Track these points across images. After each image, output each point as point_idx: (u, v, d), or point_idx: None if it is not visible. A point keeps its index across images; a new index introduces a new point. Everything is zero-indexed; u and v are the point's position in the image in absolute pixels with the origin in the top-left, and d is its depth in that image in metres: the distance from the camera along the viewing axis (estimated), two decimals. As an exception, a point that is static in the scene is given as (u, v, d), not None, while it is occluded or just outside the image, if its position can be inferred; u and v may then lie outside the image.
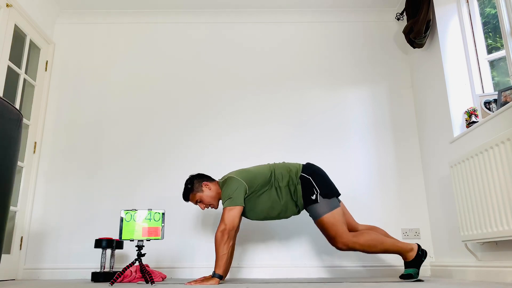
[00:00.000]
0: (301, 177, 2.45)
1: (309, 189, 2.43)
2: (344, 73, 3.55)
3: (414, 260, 2.38)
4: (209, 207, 2.48)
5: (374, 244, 2.38)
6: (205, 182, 2.50)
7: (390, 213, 3.21)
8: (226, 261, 2.26)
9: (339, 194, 2.50)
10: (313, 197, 2.41)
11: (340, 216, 2.42)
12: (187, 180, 2.52)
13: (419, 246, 2.41)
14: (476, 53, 2.81)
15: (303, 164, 2.54)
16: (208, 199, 2.48)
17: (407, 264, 2.40)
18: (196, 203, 2.50)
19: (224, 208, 2.33)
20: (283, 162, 2.60)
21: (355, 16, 3.69)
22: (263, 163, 3.29)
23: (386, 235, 2.58)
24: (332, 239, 2.41)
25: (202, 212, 3.19)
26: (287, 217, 2.54)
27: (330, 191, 2.44)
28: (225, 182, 2.44)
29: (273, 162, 2.65)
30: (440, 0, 2.99)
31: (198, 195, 2.48)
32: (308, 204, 2.43)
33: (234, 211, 2.32)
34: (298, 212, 2.53)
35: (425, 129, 3.24)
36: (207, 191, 2.48)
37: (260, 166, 2.55)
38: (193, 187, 2.49)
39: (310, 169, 2.50)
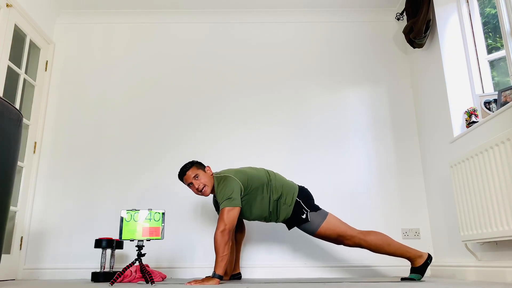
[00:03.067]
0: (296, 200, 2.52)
1: (299, 210, 2.49)
2: (344, 73, 3.55)
3: (421, 267, 2.38)
4: (200, 192, 2.47)
5: (380, 244, 2.41)
6: (208, 167, 2.58)
7: (390, 213, 3.21)
8: (227, 262, 2.26)
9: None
10: (304, 216, 2.47)
11: (335, 219, 2.49)
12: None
13: (429, 255, 2.41)
14: (476, 53, 2.81)
15: (298, 187, 2.58)
16: (204, 179, 2.48)
17: (413, 270, 2.40)
18: (192, 178, 2.48)
19: (222, 209, 2.33)
20: (280, 175, 2.65)
21: (355, 16, 3.69)
22: (262, 164, 3.29)
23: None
24: (338, 240, 2.47)
25: (202, 212, 3.19)
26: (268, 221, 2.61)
27: (317, 207, 2.53)
28: (221, 179, 2.45)
29: (272, 170, 2.67)
30: (440, 0, 2.99)
31: (199, 171, 2.51)
32: (299, 223, 2.50)
33: (234, 212, 2.33)
34: (272, 221, 2.60)
35: (425, 129, 3.24)
36: (208, 173, 2.54)
37: (256, 169, 2.58)
38: (197, 163, 2.56)
39: (302, 192, 2.56)
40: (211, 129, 3.39)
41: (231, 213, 2.32)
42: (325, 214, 2.49)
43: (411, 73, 3.52)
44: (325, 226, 2.45)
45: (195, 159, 3.22)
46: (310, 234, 2.51)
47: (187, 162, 2.67)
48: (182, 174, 2.52)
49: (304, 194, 2.55)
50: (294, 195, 2.52)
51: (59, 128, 3.38)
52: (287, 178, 3.25)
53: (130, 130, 3.39)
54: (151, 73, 3.54)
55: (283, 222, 2.59)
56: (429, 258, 2.40)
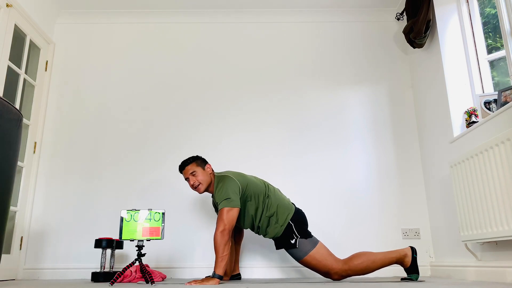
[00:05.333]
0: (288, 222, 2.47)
1: (289, 233, 2.45)
2: (344, 73, 3.55)
3: (412, 265, 2.37)
4: (195, 188, 2.51)
5: (366, 265, 2.38)
6: (208, 165, 2.59)
7: (390, 213, 3.21)
8: (227, 262, 2.26)
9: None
10: (292, 241, 2.43)
11: (324, 249, 2.44)
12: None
13: (412, 249, 2.40)
14: (476, 53, 2.81)
15: (295, 208, 2.52)
16: (201, 177, 2.51)
17: (408, 271, 2.39)
18: (190, 174, 2.51)
19: (221, 209, 2.32)
20: (280, 193, 2.59)
21: (355, 16, 3.69)
22: (262, 165, 3.27)
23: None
24: (325, 274, 2.44)
25: (202, 212, 3.19)
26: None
27: (308, 233, 2.47)
28: (220, 179, 2.45)
29: (273, 186, 2.63)
30: (440, 0, 2.99)
31: (198, 168, 2.53)
32: (287, 247, 2.46)
33: (233, 212, 2.33)
34: (261, 234, 2.58)
35: (425, 129, 3.24)
36: (207, 171, 2.55)
37: (258, 179, 2.57)
38: (199, 159, 2.57)
39: (297, 215, 2.49)
40: (211, 130, 3.39)
41: (230, 213, 2.32)
42: (315, 243, 2.44)
43: (411, 73, 3.52)
44: (312, 255, 2.40)
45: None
46: (295, 260, 2.48)
47: (190, 156, 2.67)
48: (181, 168, 2.56)
49: (298, 218, 2.49)
50: (288, 216, 2.47)
51: (59, 128, 3.38)
52: (288, 181, 3.25)
53: (130, 130, 3.39)
54: (151, 73, 3.53)
55: (272, 239, 2.56)
56: (413, 252, 2.38)
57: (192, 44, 3.61)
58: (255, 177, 2.59)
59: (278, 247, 2.54)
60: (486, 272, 2.35)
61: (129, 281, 2.52)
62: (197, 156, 2.60)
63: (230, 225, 2.29)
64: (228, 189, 2.36)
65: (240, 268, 3.05)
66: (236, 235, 2.79)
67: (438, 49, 2.95)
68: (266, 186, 2.56)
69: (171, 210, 3.19)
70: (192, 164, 2.54)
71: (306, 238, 2.43)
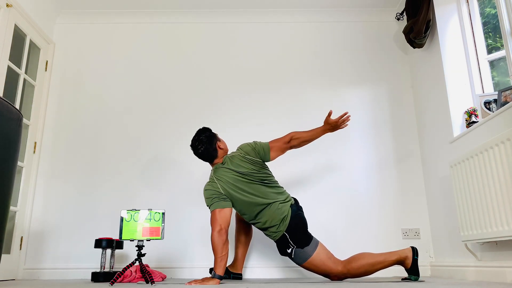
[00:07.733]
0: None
1: (285, 243, 2.39)
2: (344, 73, 3.55)
3: (412, 266, 2.36)
4: None
5: (365, 269, 2.37)
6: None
7: (390, 213, 3.21)
8: (226, 261, 2.26)
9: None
10: (289, 251, 2.40)
11: (323, 253, 2.39)
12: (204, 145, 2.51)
13: (413, 249, 2.38)
14: (476, 53, 2.81)
15: (291, 214, 2.39)
16: None
17: (409, 272, 2.38)
18: None
19: (214, 210, 2.31)
20: (282, 189, 2.48)
21: (355, 16, 3.69)
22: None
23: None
24: (325, 276, 2.44)
25: (203, 212, 3.19)
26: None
27: (307, 239, 2.39)
28: (212, 176, 2.45)
29: (277, 198, 2.44)
30: (440, 0, 2.99)
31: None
32: (285, 255, 2.44)
33: (226, 212, 2.32)
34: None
35: (425, 129, 3.24)
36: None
37: (254, 202, 2.40)
38: (202, 159, 2.54)
39: (293, 222, 2.38)
40: (211, 129, 3.39)
41: (223, 213, 2.31)
42: (314, 247, 2.38)
43: (411, 73, 3.52)
44: (310, 261, 2.37)
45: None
46: (295, 264, 2.47)
47: (202, 148, 2.53)
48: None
49: (294, 227, 2.37)
50: (282, 228, 2.37)
51: (59, 128, 3.38)
52: (287, 181, 3.24)
53: (130, 130, 3.39)
54: (151, 73, 3.53)
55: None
56: (415, 253, 2.36)
57: (191, 44, 3.61)
58: (245, 197, 2.40)
59: (280, 252, 2.50)
60: (486, 272, 2.35)
61: (129, 281, 2.52)
62: (199, 152, 2.50)
63: (226, 224, 2.28)
64: (210, 193, 2.38)
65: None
66: (243, 235, 2.75)
67: (438, 49, 2.95)
68: (267, 203, 2.40)
69: (171, 210, 3.19)
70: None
71: (303, 248, 2.37)
